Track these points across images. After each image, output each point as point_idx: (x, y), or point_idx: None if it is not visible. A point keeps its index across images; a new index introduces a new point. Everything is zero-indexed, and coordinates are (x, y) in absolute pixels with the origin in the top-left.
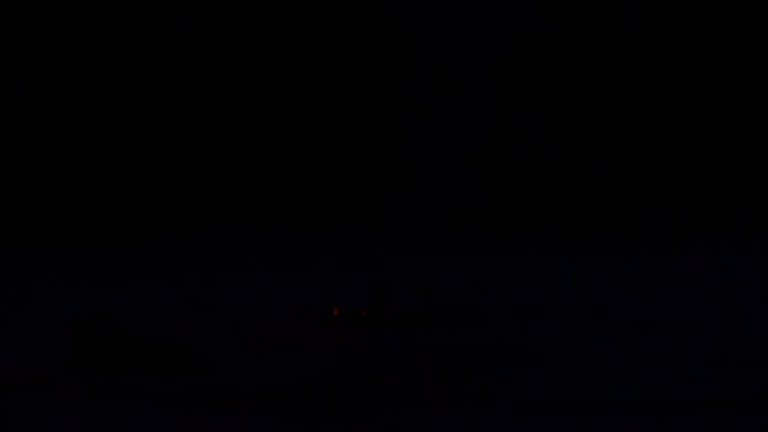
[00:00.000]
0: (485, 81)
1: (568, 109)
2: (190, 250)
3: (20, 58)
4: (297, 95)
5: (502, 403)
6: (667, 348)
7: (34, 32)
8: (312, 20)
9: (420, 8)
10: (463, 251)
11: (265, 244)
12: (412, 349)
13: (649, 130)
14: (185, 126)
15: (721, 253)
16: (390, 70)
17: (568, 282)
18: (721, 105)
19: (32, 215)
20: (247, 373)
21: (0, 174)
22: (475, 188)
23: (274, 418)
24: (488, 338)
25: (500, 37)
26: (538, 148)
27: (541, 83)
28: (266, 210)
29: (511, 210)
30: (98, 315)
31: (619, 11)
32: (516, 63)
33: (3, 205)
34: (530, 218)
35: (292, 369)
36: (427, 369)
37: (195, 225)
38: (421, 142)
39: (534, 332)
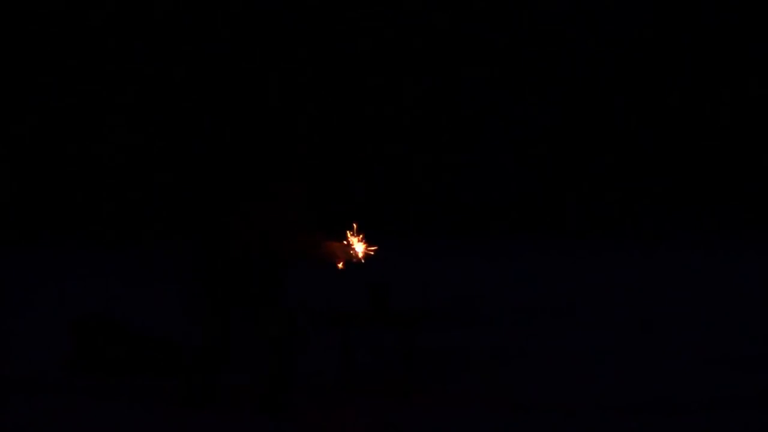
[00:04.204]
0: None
1: (567, 109)
2: (190, 250)
3: (20, 59)
4: (296, 95)
5: (502, 403)
6: (667, 348)
7: (33, 32)
8: (311, 20)
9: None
10: (463, 251)
11: None
12: (412, 349)
13: (649, 130)
14: (185, 126)
15: (721, 253)
16: (388, 69)
17: (569, 282)
18: (721, 105)
19: (32, 215)
20: (247, 373)
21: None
22: (475, 188)
23: (274, 417)
24: (488, 338)
25: (498, 33)
26: (538, 147)
27: (541, 83)
28: None
29: (511, 210)
30: (98, 315)
31: (619, 11)
32: (515, 63)
33: (3, 206)
34: (531, 218)
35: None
36: (427, 369)
37: (195, 225)
38: (421, 141)
39: (534, 332)
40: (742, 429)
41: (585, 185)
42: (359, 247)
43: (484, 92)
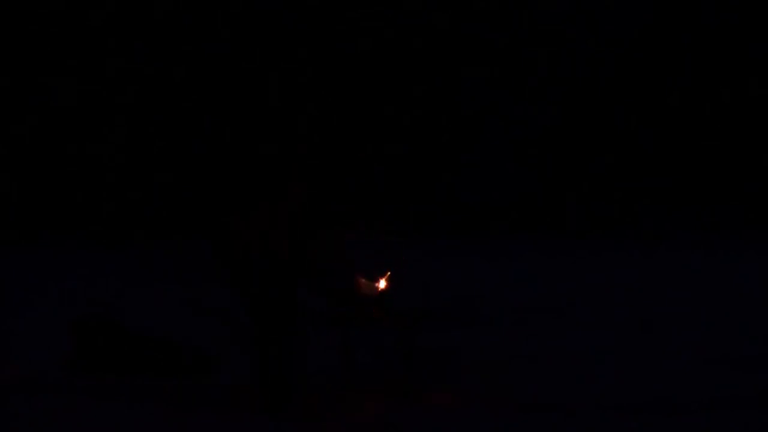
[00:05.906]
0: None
1: (567, 109)
2: (189, 250)
3: (20, 59)
4: (296, 95)
5: (502, 403)
6: (667, 348)
7: (33, 32)
8: (311, 20)
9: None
10: (463, 251)
11: None
12: (412, 349)
13: (649, 130)
14: (184, 125)
15: (721, 253)
16: (388, 69)
17: (569, 282)
18: (721, 105)
19: (33, 215)
20: (247, 373)
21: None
22: (475, 188)
23: (274, 417)
24: (488, 338)
25: (498, 33)
26: (538, 147)
27: (541, 83)
28: None
29: (511, 210)
30: (98, 315)
31: (619, 11)
32: (515, 63)
33: (3, 206)
34: (531, 218)
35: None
36: (427, 369)
37: (195, 225)
38: (421, 141)
39: (534, 332)
40: (742, 429)
41: (585, 185)
42: (381, 283)
43: (484, 92)
